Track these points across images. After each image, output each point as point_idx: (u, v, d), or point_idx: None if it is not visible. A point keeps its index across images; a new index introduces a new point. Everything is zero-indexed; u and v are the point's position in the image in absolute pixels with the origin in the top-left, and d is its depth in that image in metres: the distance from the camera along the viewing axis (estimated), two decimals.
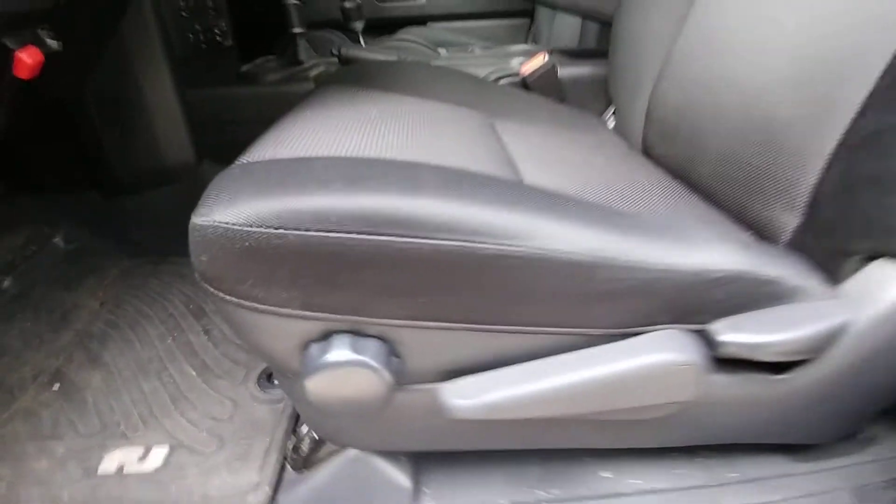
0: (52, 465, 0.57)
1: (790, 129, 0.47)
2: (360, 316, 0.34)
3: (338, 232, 0.30)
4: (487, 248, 0.31)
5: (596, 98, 0.91)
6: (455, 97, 0.71)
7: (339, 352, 0.34)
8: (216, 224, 0.31)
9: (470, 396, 0.36)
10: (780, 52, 0.50)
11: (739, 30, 0.57)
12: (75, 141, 0.90)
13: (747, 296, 0.39)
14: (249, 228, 0.30)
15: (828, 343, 0.39)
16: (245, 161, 0.39)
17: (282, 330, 0.34)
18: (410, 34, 1.57)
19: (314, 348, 0.35)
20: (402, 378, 0.38)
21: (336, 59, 0.95)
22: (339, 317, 0.34)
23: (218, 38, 1.02)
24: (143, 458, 0.56)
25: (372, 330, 0.35)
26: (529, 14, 1.77)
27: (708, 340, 0.39)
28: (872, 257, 0.40)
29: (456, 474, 0.51)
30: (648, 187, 0.54)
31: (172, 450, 0.57)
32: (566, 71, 0.90)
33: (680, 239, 0.37)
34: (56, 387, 0.68)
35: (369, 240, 0.30)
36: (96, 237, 0.98)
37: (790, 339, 0.38)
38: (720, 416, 0.45)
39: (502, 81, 0.90)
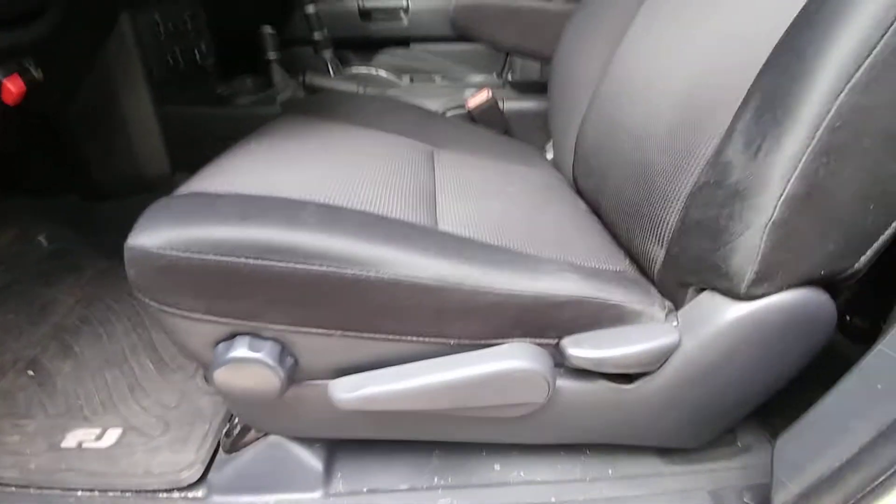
0: (23, 439, 0.65)
1: (660, 173, 0.55)
2: (256, 321, 0.42)
3: (229, 256, 0.38)
4: (346, 273, 0.39)
5: (541, 130, 0.99)
6: (401, 128, 0.79)
7: (240, 350, 0.42)
8: (139, 246, 0.39)
9: (350, 391, 0.45)
10: (660, 105, 0.58)
11: (639, 82, 0.66)
12: (59, 151, 0.99)
13: (593, 317, 0.47)
14: (162, 252, 0.38)
15: (659, 360, 0.47)
16: (179, 192, 0.47)
17: (194, 330, 0.42)
18: (390, 55, 1.66)
19: (221, 346, 0.43)
20: (299, 375, 0.46)
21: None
22: (239, 321, 0.42)
23: (197, 58, 1.11)
24: (99, 437, 0.64)
25: (269, 333, 0.43)
26: None
27: (560, 352, 0.47)
28: (703, 289, 0.47)
29: (364, 460, 0.59)
30: (545, 218, 0.62)
31: (125, 431, 0.65)
32: (513, 105, 0.99)
33: (528, 268, 0.45)
34: (31, 373, 0.76)
35: (254, 263, 0.38)
36: (77, 239, 1.06)
37: (625, 356, 0.46)
38: (582, 419, 0.53)
39: (452, 113, 0.98)
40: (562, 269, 0.47)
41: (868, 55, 0.32)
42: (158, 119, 0.99)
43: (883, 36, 0.32)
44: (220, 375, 0.42)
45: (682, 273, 0.49)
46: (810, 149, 0.34)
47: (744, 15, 0.50)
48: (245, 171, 0.51)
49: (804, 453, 0.43)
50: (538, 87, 1.05)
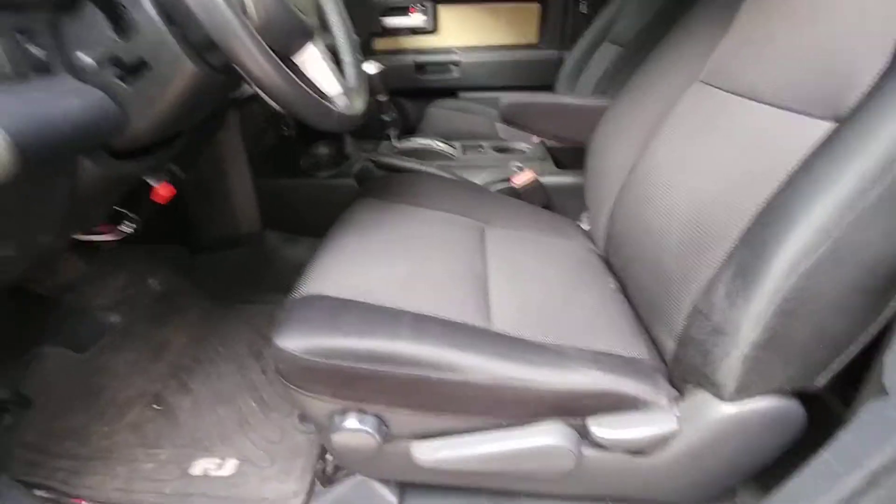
0: (156, 466, 0.84)
1: (672, 279, 0.68)
2: (364, 403, 0.58)
3: (353, 363, 0.55)
4: (431, 377, 0.55)
5: (577, 200, 1.13)
6: (457, 207, 0.95)
7: (351, 422, 0.59)
8: (288, 350, 0.56)
9: (428, 454, 0.60)
10: (675, 216, 0.71)
11: (660, 188, 0.79)
12: (173, 211, 1.20)
13: (612, 404, 0.61)
14: (306, 357, 0.55)
15: (662, 443, 0.60)
16: (303, 294, 0.64)
17: (317, 405, 0.59)
18: (441, 107, 1.84)
19: (337, 418, 0.60)
20: (389, 437, 0.62)
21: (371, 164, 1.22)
22: (352, 402, 0.59)
23: (284, 131, 1.31)
24: (220, 466, 0.82)
25: (371, 410, 0.59)
26: (550, 88, 1.99)
27: (585, 430, 0.61)
28: (699, 386, 0.60)
29: (428, 496, 0.75)
30: (577, 304, 0.76)
31: (241, 462, 0.83)
32: (553, 179, 1.13)
33: (562, 366, 0.59)
34: (156, 406, 0.96)
35: (369, 368, 0.55)
36: (182, 283, 1.28)
37: (635, 439, 0.59)
38: (602, 479, 0.67)
39: (498, 187, 1.14)
40: (589, 365, 0.61)
41: (811, 253, 0.45)
42: (255, 187, 1.19)
43: (827, 240, 0.45)
44: (336, 438, 0.59)
45: (684, 372, 0.62)
46: (771, 311, 0.47)
47: (756, 153, 0.61)
48: (346, 272, 0.68)
49: None
50: (576, 155, 1.18)
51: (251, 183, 1.18)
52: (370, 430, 0.58)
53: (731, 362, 0.51)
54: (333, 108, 0.62)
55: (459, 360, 0.56)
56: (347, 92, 0.69)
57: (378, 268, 0.70)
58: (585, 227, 1.10)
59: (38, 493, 0.77)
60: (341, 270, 0.69)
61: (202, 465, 0.83)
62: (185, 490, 0.79)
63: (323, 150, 1.33)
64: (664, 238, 0.72)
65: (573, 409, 0.60)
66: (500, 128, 1.67)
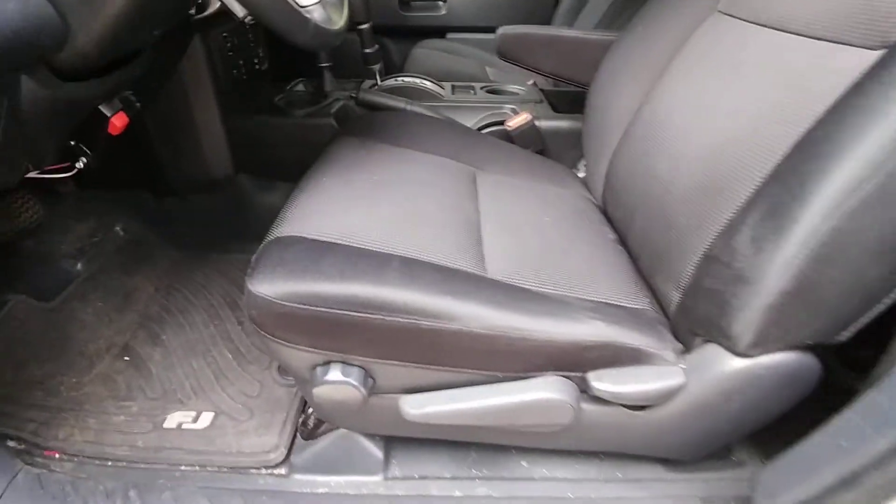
0: (128, 419, 0.79)
1: (681, 226, 0.64)
2: (348, 354, 0.53)
3: (334, 309, 0.49)
4: (422, 324, 0.50)
5: (573, 148, 1.06)
6: (447, 150, 0.88)
7: (334, 374, 0.54)
8: (262, 295, 0.50)
9: (417, 407, 0.56)
10: (688, 160, 0.66)
11: (671, 130, 0.73)
12: (137, 153, 1.10)
13: (614, 356, 0.57)
14: (282, 302, 0.49)
15: (667, 397, 0.57)
16: (279, 235, 0.58)
17: (297, 356, 0.54)
18: (427, 47, 1.71)
19: (318, 370, 0.55)
20: (376, 390, 0.58)
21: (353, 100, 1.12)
22: (334, 353, 0.53)
23: (256, 65, 1.19)
24: (195, 419, 0.78)
25: (356, 362, 0.54)
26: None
27: (585, 383, 0.57)
28: (709, 340, 0.57)
29: (415, 451, 0.72)
30: (577, 254, 0.71)
31: (217, 415, 0.78)
32: (548, 124, 1.06)
33: (563, 315, 0.55)
34: (126, 358, 0.90)
35: (352, 315, 0.49)
36: (150, 231, 1.19)
37: (638, 392, 0.56)
38: (599, 433, 0.64)
39: (490, 130, 1.06)
40: (591, 315, 0.57)
41: (858, 190, 0.40)
42: (224, 126, 1.09)
43: (876, 175, 0.39)
44: (318, 392, 0.54)
45: (692, 324, 0.58)
46: (803, 256, 0.42)
47: (779, 94, 0.56)
48: (327, 213, 0.61)
49: (785, 482, 0.53)
50: (574, 99, 1.11)
51: (220, 121, 1.07)
52: (355, 383, 0.54)
53: (751, 314, 0.47)
54: (309, 19, 0.53)
55: (453, 308, 0.51)
56: (325, 3, 0.59)
57: (362, 209, 0.63)
58: (581, 175, 1.04)
59: (11, 444, 0.72)
60: (321, 211, 0.62)
61: (176, 419, 0.78)
62: (158, 443, 0.75)
63: (300, 87, 1.22)
64: (673, 183, 0.67)
65: (573, 361, 0.56)
66: (491, 72, 1.57)
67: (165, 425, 0.77)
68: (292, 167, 0.85)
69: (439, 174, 0.79)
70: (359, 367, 0.54)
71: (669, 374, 0.57)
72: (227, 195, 1.15)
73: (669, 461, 0.72)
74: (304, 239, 0.55)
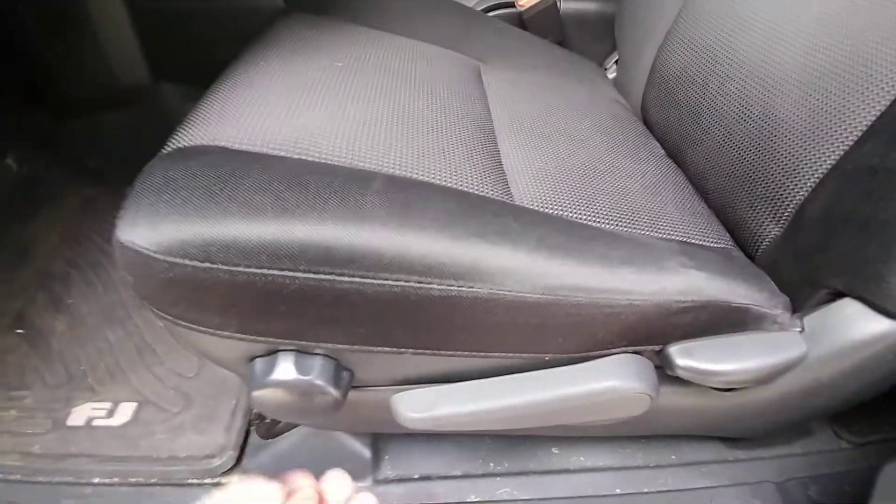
0: (21, 415, 0.58)
1: (789, 132, 0.43)
2: (302, 340, 0.32)
3: (270, 268, 0.27)
4: (433, 289, 0.29)
5: (601, 41, 0.82)
6: (439, 36, 0.63)
7: (284, 372, 0.33)
8: (136, 248, 0.27)
9: (420, 410, 0.37)
10: (793, 44, 0.45)
11: (758, 2, 0.50)
12: (16, 57, 0.80)
13: (712, 321, 0.38)
14: (173, 259, 0.27)
15: (779, 374, 0.39)
16: (177, 146, 0.34)
17: (222, 346, 0.33)
18: None
19: (259, 364, 0.34)
20: (354, 384, 0.38)
21: None
22: (282, 340, 0.32)
23: None
24: (111, 413, 0.58)
25: (320, 349, 0.34)
26: None
27: (664, 359, 0.39)
28: (839, 294, 0.38)
29: (411, 445, 0.54)
30: (631, 174, 0.50)
31: (140, 406, 0.58)
32: (570, 6, 0.80)
33: (647, 266, 0.35)
34: (19, 331, 0.68)
35: (305, 278, 0.27)
36: (51, 162, 0.92)
37: (744, 370, 0.38)
38: (670, 418, 0.47)
39: (498, 12, 0.80)
40: (682, 262, 0.37)
41: None
42: (131, 15, 0.80)
43: None
44: (262, 397, 0.34)
45: (816, 272, 0.39)
46: None
47: None
48: (260, 111, 0.37)
49: None
50: None
51: (122, 5, 0.78)
52: (319, 382, 0.33)
53: None
54: None
55: (481, 259, 0.30)
56: None
57: (317, 106, 0.39)
58: (611, 75, 0.81)
59: None
60: (251, 109, 0.38)
61: (84, 413, 0.58)
62: (61, 448, 0.55)
63: None
64: (772, 75, 0.46)
65: (656, 332, 0.37)
66: None
67: (70, 422, 0.57)
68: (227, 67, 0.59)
69: (432, 66, 0.55)
70: (324, 355, 0.34)
71: (785, 342, 0.39)
72: (145, 111, 0.88)
73: (728, 438, 0.57)
74: (215, 150, 0.32)
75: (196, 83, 0.88)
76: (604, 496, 0.52)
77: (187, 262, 0.27)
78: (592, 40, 0.81)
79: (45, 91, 0.89)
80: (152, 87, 0.88)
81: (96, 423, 0.57)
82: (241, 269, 0.27)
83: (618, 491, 0.52)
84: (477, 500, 0.51)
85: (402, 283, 0.28)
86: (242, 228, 0.27)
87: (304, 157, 0.33)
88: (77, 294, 0.72)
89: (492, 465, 0.54)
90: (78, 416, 0.58)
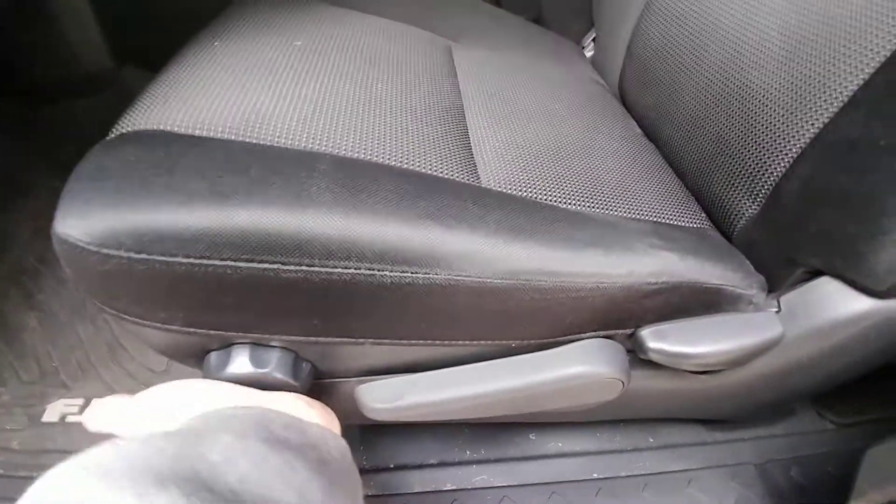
0: None
1: (767, 104, 0.42)
2: (256, 333, 0.31)
3: (210, 259, 0.26)
4: (385, 276, 0.27)
5: (578, 17, 0.79)
6: (408, 13, 0.61)
7: (240, 364, 0.32)
8: (72, 241, 0.26)
9: (385, 400, 0.36)
10: (774, 9, 0.43)
11: None
12: None
13: (684, 302, 0.37)
14: (107, 250, 0.25)
15: (755, 356, 0.38)
16: (122, 131, 0.33)
17: (172, 341, 0.32)
18: None
19: (214, 358, 0.33)
20: (318, 376, 0.37)
21: None
22: (234, 333, 0.31)
23: None
24: (83, 409, 0.56)
25: (275, 342, 0.32)
26: None
27: (636, 343, 0.38)
28: (817, 273, 0.37)
29: (385, 434, 0.53)
30: (603, 154, 0.48)
31: None
32: None
33: (617, 244, 0.34)
34: None
35: (248, 267, 0.26)
36: (21, 153, 0.89)
37: (718, 352, 0.37)
38: (645, 401, 0.46)
39: None
40: (651, 243, 0.36)
41: None
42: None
43: None
44: None
45: (793, 250, 0.38)
46: None
47: None
48: (209, 93, 0.35)
49: None
50: None
51: None
52: (277, 374, 0.32)
53: None
54: None
55: (438, 244, 0.28)
56: None
57: (272, 87, 0.37)
58: (589, 54, 0.79)
59: None
60: (200, 91, 0.36)
61: (58, 409, 0.57)
62: (38, 445, 0.54)
63: None
64: (750, 44, 0.45)
65: (625, 316, 0.36)
66: None
67: (45, 418, 0.56)
68: None
69: (400, 45, 0.53)
70: (282, 348, 0.33)
71: (760, 323, 0.38)
72: (109, 96, 0.85)
73: (706, 421, 0.57)
74: (157, 134, 0.31)
75: (160, 67, 0.86)
76: (581, 481, 0.51)
77: (122, 252, 0.25)
78: (570, 17, 0.79)
79: (9, 77, 0.86)
80: (115, 71, 0.85)
81: (70, 419, 0.56)
82: (178, 259, 0.25)
83: (595, 475, 0.52)
84: (453, 488, 0.50)
85: (351, 271, 0.27)
86: (177, 216, 0.25)
87: (250, 140, 0.31)
88: (49, 290, 0.70)
89: (468, 452, 0.53)
90: (52, 412, 0.56)
